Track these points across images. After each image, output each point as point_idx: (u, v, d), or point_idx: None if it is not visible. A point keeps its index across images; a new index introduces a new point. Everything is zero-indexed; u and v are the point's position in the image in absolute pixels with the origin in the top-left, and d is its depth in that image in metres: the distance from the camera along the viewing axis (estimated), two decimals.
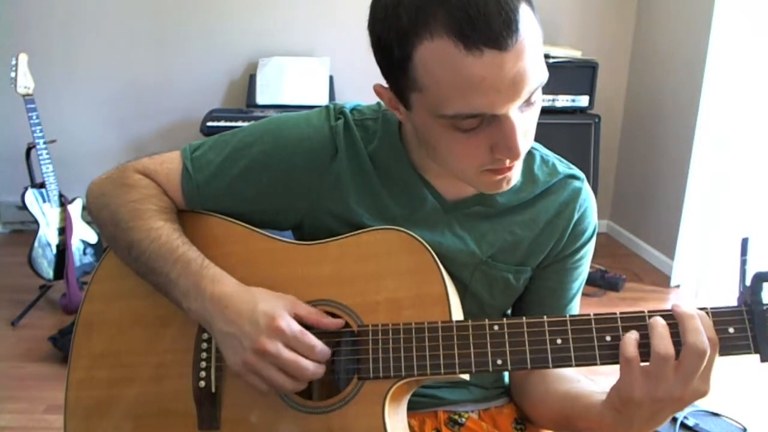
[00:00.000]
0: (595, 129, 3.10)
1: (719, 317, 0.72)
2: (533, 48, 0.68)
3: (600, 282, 3.03)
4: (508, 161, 0.75)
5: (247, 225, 0.91)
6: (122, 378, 0.89)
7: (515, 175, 0.79)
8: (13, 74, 2.56)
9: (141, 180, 0.91)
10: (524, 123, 0.73)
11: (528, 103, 0.72)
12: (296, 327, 0.77)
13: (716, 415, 1.73)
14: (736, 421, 1.71)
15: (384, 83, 0.78)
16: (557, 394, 0.90)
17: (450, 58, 0.67)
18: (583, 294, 1.01)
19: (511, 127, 0.71)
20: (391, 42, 0.71)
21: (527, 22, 0.67)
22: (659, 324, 0.71)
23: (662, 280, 3.18)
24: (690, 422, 1.66)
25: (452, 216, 0.90)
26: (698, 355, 0.68)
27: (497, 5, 0.65)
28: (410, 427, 0.88)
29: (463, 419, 0.97)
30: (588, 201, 0.93)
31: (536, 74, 0.69)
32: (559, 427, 0.94)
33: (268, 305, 0.78)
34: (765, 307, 0.71)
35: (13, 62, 2.58)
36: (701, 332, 0.69)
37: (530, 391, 0.97)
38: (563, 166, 0.94)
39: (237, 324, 0.77)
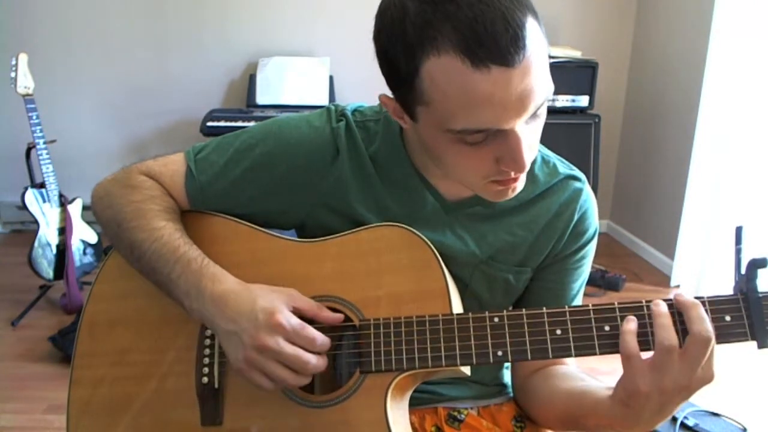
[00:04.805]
0: (595, 129, 3.10)
1: (716, 306, 0.73)
2: (540, 63, 0.68)
3: (600, 282, 3.04)
4: (513, 173, 0.75)
5: (251, 224, 0.91)
6: (125, 376, 0.89)
7: (520, 185, 0.79)
8: (13, 74, 2.56)
9: (145, 181, 0.91)
10: (529, 136, 0.73)
11: (534, 116, 0.72)
12: (295, 321, 0.77)
13: (716, 415, 1.72)
14: (736, 421, 1.70)
15: (389, 93, 0.78)
16: (563, 393, 0.89)
17: (457, 74, 0.66)
18: (584, 294, 1.01)
19: (517, 141, 0.71)
20: (398, 55, 0.71)
21: (534, 37, 0.67)
22: (661, 314, 0.71)
23: (662, 280, 3.18)
24: (690, 422, 1.66)
25: (453, 216, 0.91)
26: (704, 343, 0.68)
27: (504, 21, 0.64)
28: (410, 423, 0.88)
29: (463, 416, 0.97)
30: (588, 202, 0.93)
31: (543, 89, 0.69)
32: (567, 427, 0.92)
33: (266, 301, 0.78)
34: (761, 295, 0.71)
35: (13, 62, 2.58)
36: (705, 320, 0.69)
37: (534, 391, 0.96)
38: (564, 167, 0.94)
39: (237, 322, 0.78)
